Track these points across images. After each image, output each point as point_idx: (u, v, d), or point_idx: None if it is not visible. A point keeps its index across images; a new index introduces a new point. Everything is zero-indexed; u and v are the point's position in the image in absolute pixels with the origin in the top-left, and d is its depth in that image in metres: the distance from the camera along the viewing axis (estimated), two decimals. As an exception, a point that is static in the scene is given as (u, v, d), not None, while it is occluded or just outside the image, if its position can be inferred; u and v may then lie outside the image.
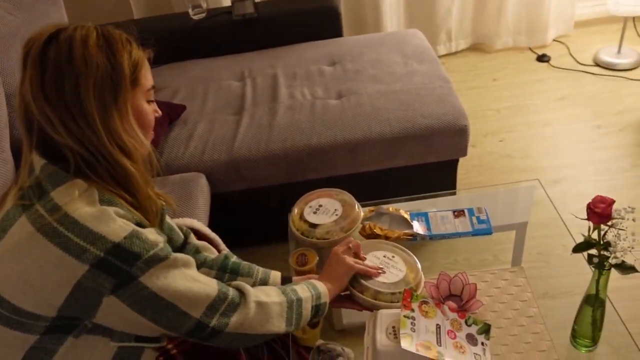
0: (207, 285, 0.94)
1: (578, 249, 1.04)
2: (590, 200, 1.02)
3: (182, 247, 1.19)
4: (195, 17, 2.35)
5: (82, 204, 0.84)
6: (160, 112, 1.01)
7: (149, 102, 0.97)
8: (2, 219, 0.88)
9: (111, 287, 0.83)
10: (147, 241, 0.85)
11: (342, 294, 1.19)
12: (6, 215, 0.88)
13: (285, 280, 1.22)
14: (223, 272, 1.18)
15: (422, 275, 1.24)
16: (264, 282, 1.19)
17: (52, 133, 0.85)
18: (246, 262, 1.22)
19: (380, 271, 1.22)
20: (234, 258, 1.22)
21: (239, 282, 1.02)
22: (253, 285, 1.17)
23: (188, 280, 0.91)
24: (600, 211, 0.98)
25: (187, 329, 0.91)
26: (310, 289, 1.09)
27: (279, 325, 1.01)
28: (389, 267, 1.25)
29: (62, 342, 0.89)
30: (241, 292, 0.99)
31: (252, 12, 2.31)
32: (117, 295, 0.84)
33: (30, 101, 0.85)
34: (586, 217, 1.02)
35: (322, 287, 1.12)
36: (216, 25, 2.35)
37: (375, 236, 1.39)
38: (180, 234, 1.18)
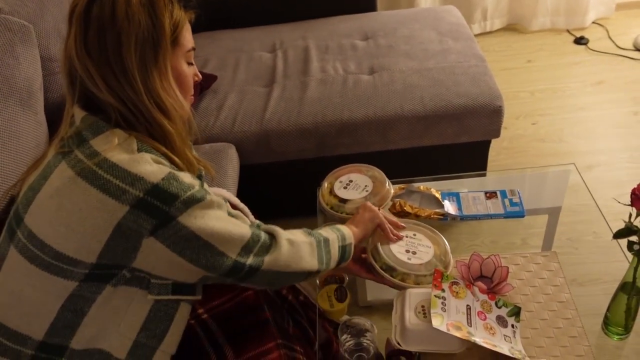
0: (241, 226, 0.95)
1: (619, 235, 1.01)
2: (633, 187, 1.00)
3: None
4: (228, -13, 2.32)
5: (120, 151, 0.86)
6: (200, 76, 1.02)
7: (189, 64, 0.98)
8: (43, 169, 0.90)
9: (151, 228, 0.84)
10: (183, 183, 0.87)
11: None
12: (47, 164, 0.90)
13: None
14: None
15: (451, 255, 1.23)
16: None
17: (93, 88, 0.87)
18: None
19: (399, 238, 1.24)
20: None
21: (269, 226, 1.04)
22: None
23: (224, 221, 0.92)
24: (645, 197, 0.95)
25: (225, 269, 0.93)
26: (335, 231, 1.12)
27: (312, 263, 1.03)
28: (416, 246, 1.24)
29: (100, 291, 0.90)
30: (272, 235, 1.02)
31: (286, -17, 2.27)
32: (156, 236, 0.85)
33: (73, 56, 0.87)
34: (629, 202, 0.99)
35: (345, 229, 1.14)
36: (249, -4, 2.32)
37: (405, 214, 1.38)
38: None
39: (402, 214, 1.38)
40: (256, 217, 1.40)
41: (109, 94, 0.87)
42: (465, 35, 2.10)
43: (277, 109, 1.82)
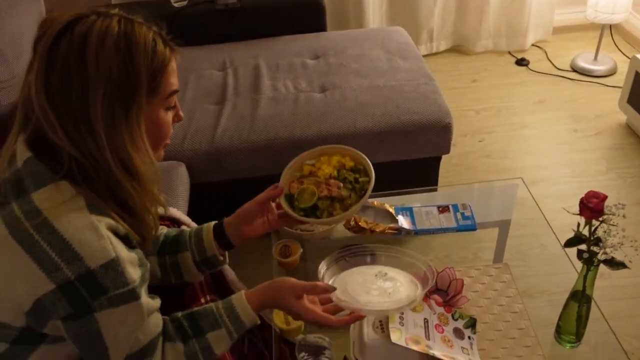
0: (141, 340, 0.84)
1: (569, 243, 1.04)
2: (577, 199, 1.03)
3: None
4: (176, 5, 2.29)
5: (66, 212, 0.75)
6: (182, 116, 0.91)
7: (168, 108, 0.87)
8: None
9: (64, 315, 0.76)
10: (122, 276, 0.77)
11: None
12: None
13: (217, 226, 1.09)
14: (162, 251, 1.08)
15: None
16: (199, 238, 1.08)
17: (50, 134, 0.76)
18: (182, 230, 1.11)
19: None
20: (174, 233, 1.11)
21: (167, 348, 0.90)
22: (190, 251, 1.07)
23: (133, 332, 0.82)
24: (593, 206, 0.97)
25: None
26: (233, 330, 0.95)
27: None
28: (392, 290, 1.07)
29: (33, 350, 0.83)
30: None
31: (235, 2, 2.26)
32: (64, 323, 0.77)
33: (33, 95, 0.76)
34: (578, 212, 1.02)
35: (249, 320, 0.97)
36: (198, 14, 2.30)
37: (360, 229, 1.38)
38: None
39: (357, 229, 1.38)
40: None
41: (68, 143, 0.76)
42: (413, 54, 2.15)
43: (228, 126, 1.79)
